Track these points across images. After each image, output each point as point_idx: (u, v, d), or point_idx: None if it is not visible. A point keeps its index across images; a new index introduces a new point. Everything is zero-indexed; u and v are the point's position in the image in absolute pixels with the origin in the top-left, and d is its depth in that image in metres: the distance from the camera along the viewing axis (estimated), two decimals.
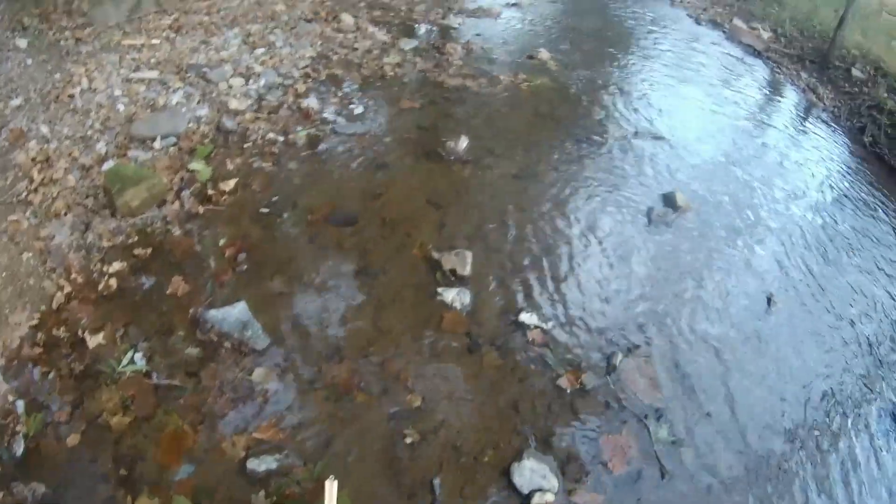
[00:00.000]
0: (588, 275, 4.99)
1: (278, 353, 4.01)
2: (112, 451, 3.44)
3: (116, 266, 4.42)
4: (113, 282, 4.31)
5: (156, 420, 3.61)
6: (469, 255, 4.72)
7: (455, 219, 5.17)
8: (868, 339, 5.09)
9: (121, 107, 5.81)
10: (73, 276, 4.32)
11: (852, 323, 5.21)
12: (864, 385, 4.77)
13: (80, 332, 3.99)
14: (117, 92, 5.99)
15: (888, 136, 7.95)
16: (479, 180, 5.67)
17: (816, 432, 4.31)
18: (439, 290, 4.50)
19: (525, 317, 4.47)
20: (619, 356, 4.36)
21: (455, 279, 4.62)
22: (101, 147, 5.34)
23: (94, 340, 3.95)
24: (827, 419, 4.42)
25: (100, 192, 4.90)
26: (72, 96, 5.86)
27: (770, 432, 4.22)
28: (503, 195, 5.56)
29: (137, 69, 6.34)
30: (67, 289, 4.24)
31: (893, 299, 5.58)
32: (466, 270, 4.65)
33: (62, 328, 4.01)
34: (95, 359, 3.85)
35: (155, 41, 6.83)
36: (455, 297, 4.45)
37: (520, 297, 4.66)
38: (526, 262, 4.96)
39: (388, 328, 4.25)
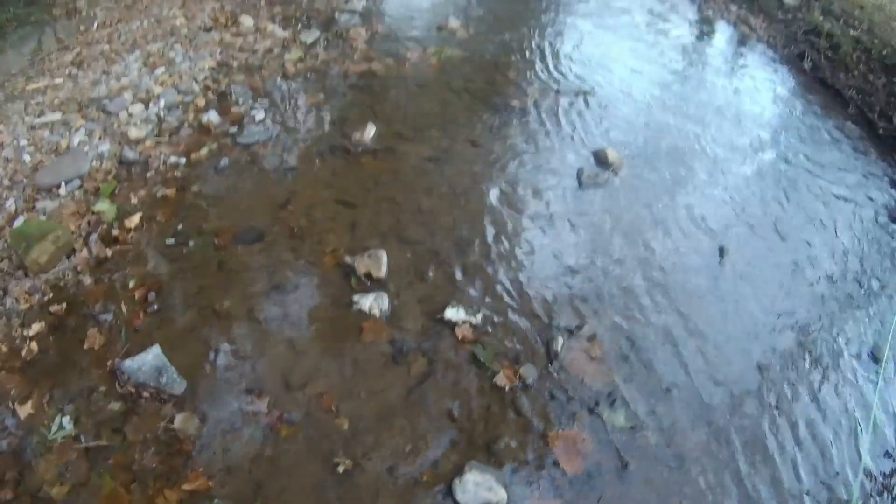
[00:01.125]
0: (515, 255, 4.49)
1: (197, 396, 3.54)
2: None
3: (36, 328, 3.91)
4: (34, 345, 3.81)
5: (91, 485, 3.20)
6: (384, 255, 4.21)
7: (367, 216, 4.64)
8: (830, 275, 4.70)
9: (27, 157, 5.19)
10: None
11: (812, 260, 4.80)
12: (833, 329, 4.36)
13: (10, 405, 3.54)
14: (23, 142, 5.36)
15: (829, 60, 7.46)
16: (391, 169, 5.11)
17: (787, 391, 3.90)
18: (355, 297, 4.00)
19: (451, 313, 3.96)
20: (560, 340, 3.87)
21: (371, 283, 4.11)
22: (10, 204, 4.76)
23: (24, 411, 3.52)
24: (797, 373, 4.02)
25: (13, 253, 4.36)
26: None
27: (738, 398, 3.81)
28: (417, 182, 5.01)
29: (42, 114, 5.67)
30: None
31: (851, 228, 5.16)
32: (382, 272, 4.14)
33: None
34: (28, 430, 3.42)
35: (58, 80, 6.14)
36: (372, 303, 3.95)
37: (443, 292, 4.15)
38: (446, 251, 4.45)
39: (304, 349, 3.78)
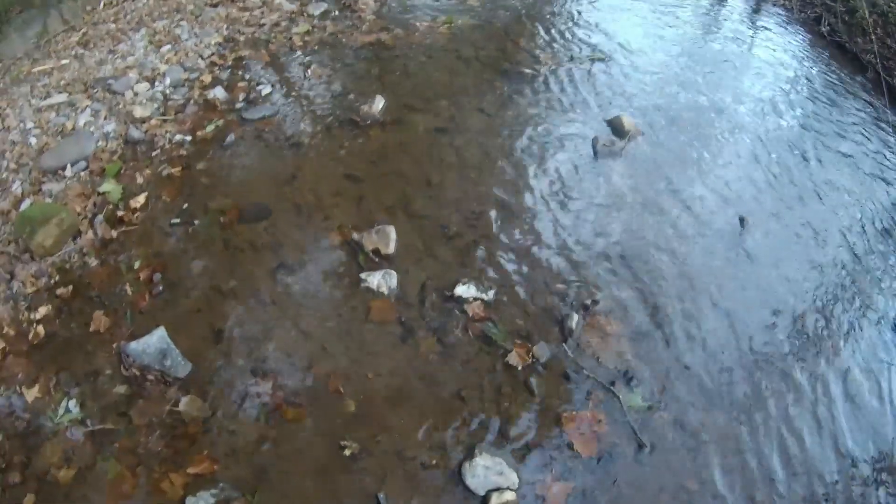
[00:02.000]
0: (528, 228, 4.30)
1: (201, 379, 3.45)
2: None
3: (42, 311, 3.85)
4: (41, 329, 3.76)
5: (97, 468, 3.15)
6: (392, 231, 4.06)
7: (375, 190, 4.48)
8: (854, 244, 4.47)
9: (33, 140, 5.11)
10: (6, 330, 3.77)
11: (835, 228, 4.57)
12: (858, 301, 4.13)
13: (18, 388, 3.50)
14: (29, 124, 5.28)
15: (846, 23, 7.16)
16: (400, 141, 4.93)
17: (812, 365, 3.69)
18: (363, 275, 3.86)
19: (461, 289, 3.79)
20: (575, 317, 3.68)
21: (379, 260, 3.96)
22: (16, 188, 4.70)
23: (31, 394, 3.48)
24: (821, 347, 3.80)
25: (19, 237, 4.29)
26: None
27: (759, 374, 3.61)
28: (426, 153, 4.83)
29: (48, 95, 5.58)
30: (1, 345, 3.70)
31: (873, 195, 4.93)
32: (390, 248, 3.99)
33: (2, 387, 3.52)
34: (35, 413, 3.37)
35: (64, 61, 6.04)
36: (381, 280, 3.81)
37: (454, 268, 3.99)
38: (456, 225, 4.27)
39: (310, 330, 3.66)
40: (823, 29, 7.33)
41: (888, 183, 5.21)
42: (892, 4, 6.96)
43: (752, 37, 7.06)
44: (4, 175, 4.78)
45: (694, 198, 4.67)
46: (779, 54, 6.76)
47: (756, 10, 7.70)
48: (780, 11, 7.65)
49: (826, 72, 6.58)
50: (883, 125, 5.89)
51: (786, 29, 7.29)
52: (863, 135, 5.68)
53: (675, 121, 5.40)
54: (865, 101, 6.19)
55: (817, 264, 4.35)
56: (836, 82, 6.42)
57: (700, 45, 6.70)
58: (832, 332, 3.95)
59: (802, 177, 5.02)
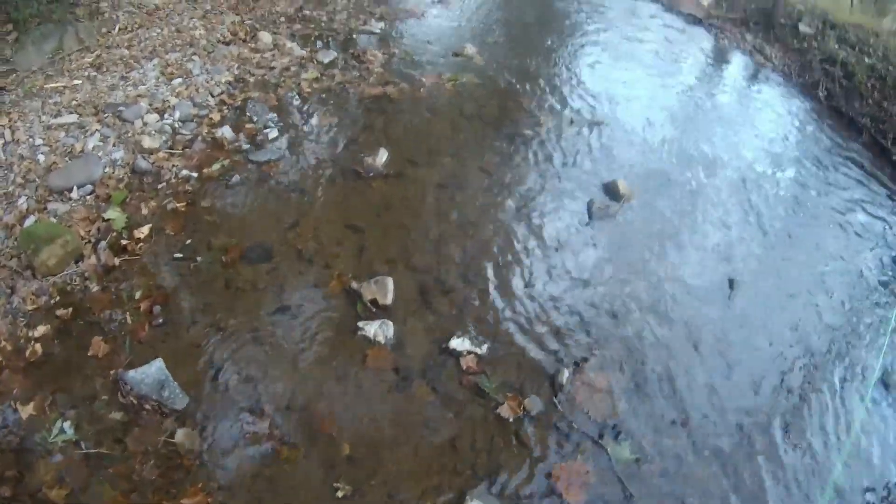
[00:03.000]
0: (523, 286, 4.54)
1: (198, 412, 3.59)
2: None
3: (41, 330, 3.95)
4: (38, 347, 3.86)
5: (90, 491, 3.24)
6: (390, 282, 4.26)
7: (375, 242, 4.70)
8: (843, 305, 4.74)
9: (41, 157, 5.22)
10: (3, 343, 3.86)
11: (824, 290, 4.84)
12: (845, 360, 4.38)
13: (13, 404, 3.57)
14: (38, 141, 5.39)
15: (843, 88, 7.53)
16: (401, 195, 5.17)
17: (796, 423, 3.93)
18: (360, 324, 4.06)
19: (456, 343, 4.00)
20: (566, 372, 3.91)
21: (377, 310, 4.16)
22: (22, 203, 4.79)
23: (25, 411, 3.55)
24: (807, 406, 4.04)
25: (22, 252, 4.38)
26: None
27: (745, 431, 3.84)
28: (427, 208, 5.07)
29: (58, 114, 5.71)
30: None
31: (865, 257, 5.23)
32: (388, 299, 4.20)
33: None
34: (29, 430, 3.46)
35: (76, 81, 6.18)
36: (378, 330, 4.01)
37: (449, 322, 4.20)
38: (454, 280, 4.50)
39: (307, 373, 3.83)
40: (821, 94, 7.67)
41: (879, 245, 5.50)
42: (889, 68, 7.32)
43: (751, 101, 7.41)
44: (11, 188, 4.87)
45: (685, 260, 4.93)
46: (776, 119, 7.11)
47: (755, 75, 8.09)
48: (779, 76, 8.05)
49: (822, 136, 6.92)
50: (876, 187, 6.23)
51: (784, 94, 7.67)
52: (856, 198, 6.00)
53: (671, 184, 5.68)
54: (860, 164, 6.53)
55: (804, 326, 4.60)
56: (831, 146, 6.76)
57: (698, 110, 7.04)
58: (816, 390, 4.18)
59: (794, 240, 5.32)
